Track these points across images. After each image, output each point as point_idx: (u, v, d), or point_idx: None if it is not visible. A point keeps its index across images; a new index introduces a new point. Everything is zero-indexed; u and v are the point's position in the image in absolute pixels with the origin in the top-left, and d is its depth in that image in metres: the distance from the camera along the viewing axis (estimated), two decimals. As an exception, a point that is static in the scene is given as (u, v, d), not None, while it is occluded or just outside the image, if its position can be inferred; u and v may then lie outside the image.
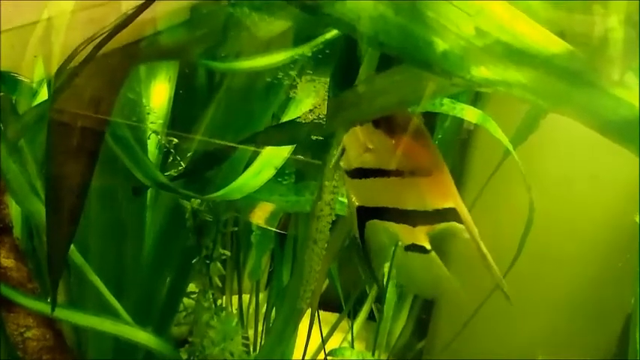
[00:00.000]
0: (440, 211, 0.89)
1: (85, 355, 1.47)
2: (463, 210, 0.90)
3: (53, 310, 1.13)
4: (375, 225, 0.94)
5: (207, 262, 1.46)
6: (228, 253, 1.47)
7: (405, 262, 0.93)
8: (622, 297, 1.98)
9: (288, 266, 2.10)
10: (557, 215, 2.05)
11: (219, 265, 1.47)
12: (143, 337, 1.33)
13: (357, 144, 0.93)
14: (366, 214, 0.94)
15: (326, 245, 1.27)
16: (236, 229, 1.84)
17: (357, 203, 0.94)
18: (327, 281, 2.16)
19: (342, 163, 0.96)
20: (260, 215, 1.82)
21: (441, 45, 0.78)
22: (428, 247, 0.91)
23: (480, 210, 2.10)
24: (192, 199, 1.43)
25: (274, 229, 1.93)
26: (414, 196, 0.90)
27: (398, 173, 0.90)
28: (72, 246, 1.28)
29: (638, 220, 1.79)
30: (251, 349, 2.08)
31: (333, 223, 1.29)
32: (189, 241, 1.46)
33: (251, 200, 1.52)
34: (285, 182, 1.56)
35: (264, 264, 2.26)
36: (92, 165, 0.95)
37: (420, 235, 0.91)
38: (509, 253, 1.86)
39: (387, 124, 0.92)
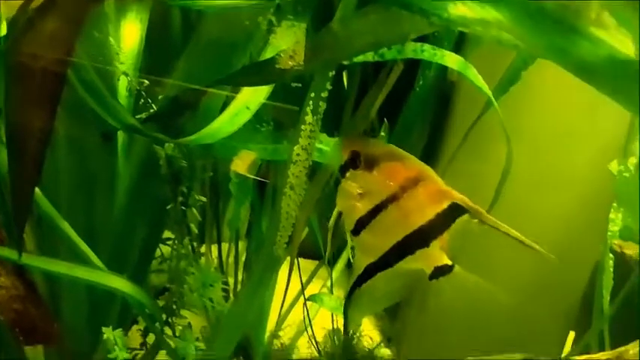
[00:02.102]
0: (443, 213, 0.92)
1: (59, 306, 1.45)
2: (463, 199, 0.92)
3: (20, 254, 1.11)
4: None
5: (183, 208, 1.44)
6: (204, 199, 1.45)
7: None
8: (592, 246, 2.01)
9: (268, 215, 2.09)
10: (535, 167, 2.06)
11: (195, 211, 1.45)
12: (118, 283, 1.31)
13: (349, 201, 0.96)
14: (378, 266, 0.96)
15: (303, 192, 1.25)
16: (211, 174, 1.81)
17: (370, 260, 0.96)
18: (306, 230, 2.15)
19: (346, 228, 0.98)
20: (240, 164, 1.80)
21: (417, -20, 0.75)
22: (449, 262, 0.93)
23: (462, 162, 2.12)
24: (166, 145, 1.40)
25: (253, 177, 1.91)
26: (415, 212, 0.92)
27: (393, 198, 0.92)
28: (40, 194, 1.25)
29: (613, 169, 1.81)
30: (231, 296, 2.08)
31: (313, 171, 1.27)
32: (164, 188, 1.43)
33: (230, 148, 1.50)
34: (263, 129, 1.53)
35: (243, 213, 2.25)
36: (54, 108, 0.91)
37: (437, 253, 0.93)
38: (488, 205, 1.87)
39: (366, 163, 0.95)
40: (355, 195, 0.95)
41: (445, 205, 0.92)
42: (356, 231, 0.96)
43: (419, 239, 0.93)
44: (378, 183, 0.93)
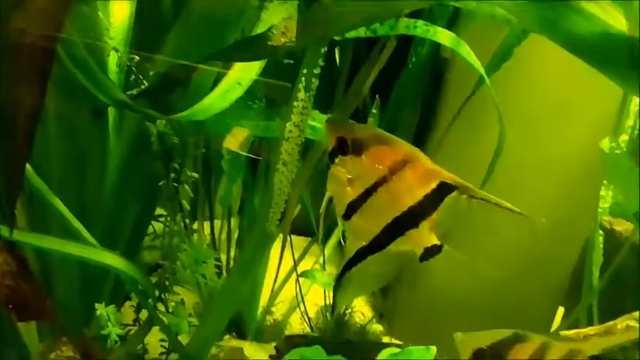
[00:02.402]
0: (432, 194, 0.93)
1: (51, 283, 1.45)
2: (452, 177, 0.93)
3: (12, 231, 1.10)
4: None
5: (175, 185, 1.44)
6: (196, 175, 1.45)
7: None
8: (583, 222, 2.03)
9: (260, 192, 2.09)
10: (528, 144, 2.07)
11: (187, 188, 1.45)
12: (111, 260, 1.31)
13: (339, 186, 0.96)
14: (369, 249, 0.97)
15: (296, 169, 1.25)
16: (203, 151, 1.81)
17: (362, 243, 0.97)
18: (299, 207, 2.16)
19: (337, 213, 0.99)
20: (233, 141, 1.79)
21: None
22: (438, 242, 0.94)
23: (454, 139, 2.12)
24: (158, 122, 1.39)
25: (246, 154, 1.91)
26: (404, 194, 0.93)
27: (382, 181, 0.94)
28: (32, 170, 1.25)
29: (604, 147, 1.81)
30: (223, 273, 2.09)
31: (305, 148, 1.27)
32: (156, 165, 1.43)
33: (222, 125, 1.49)
34: (255, 106, 1.53)
35: (235, 190, 2.25)
36: (44, 84, 0.90)
37: (426, 234, 0.94)
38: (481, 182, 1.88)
39: (354, 148, 0.95)
40: (345, 180, 0.96)
41: (433, 185, 0.93)
42: (347, 215, 0.97)
43: (408, 220, 0.94)
44: (367, 167, 0.94)
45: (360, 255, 0.98)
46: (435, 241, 0.94)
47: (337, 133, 0.97)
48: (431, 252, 0.95)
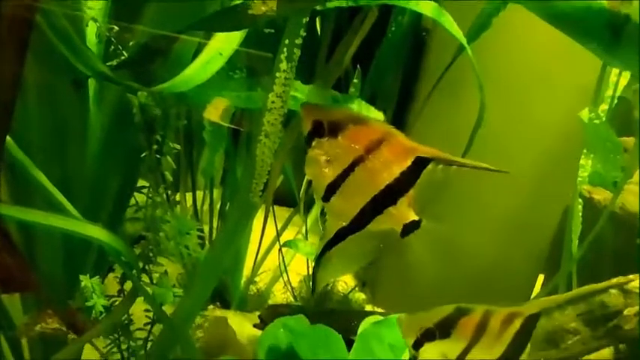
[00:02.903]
0: (408, 170, 0.94)
1: (35, 256, 1.45)
2: (427, 151, 0.94)
3: (-6, 204, 1.10)
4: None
5: (158, 156, 1.44)
6: (178, 147, 1.44)
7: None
8: (562, 191, 2.05)
9: (242, 163, 2.09)
10: (508, 113, 2.08)
11: (169, 159, 1.44)
12: (94, 232, 1.30)
13: (317, 169, 0.98)
14: (349, 229, 0.99)
15: (278, 140, 1.25)
16: (185, 122, 1.80)
17: (342, 224, 0.98)
18: (281, 177, 2.16)
19: (315, 197, 1.01)
20: (214, 112, 1.78)
21: None
22: (416, 217, 0.96)
23: (435, 109, 2.13)
24: (139, 93, 1.38)
25: (227, 125, 1.90)
26: (381, 172, 0.95)
27: (359, 161, 0.95)
28: (12, 142, 1.23)
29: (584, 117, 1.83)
30: (206, 244, 2.10)
31: (287, 118, 1.27)
32: (138, 136, 1.42)
33: (203, 96, 1.48)
34: (236, 77, 1.52)
35: (218, 161, 2.25)
36: (23, 54, 0.89)
37: (405, 210, 0.96)
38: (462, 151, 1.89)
39: (330, 130, 0.97)
40: (323, 162, 0.97)
41: (409, 161, 0.94)
42: (326, 197, 0.99)
43: (386, 198, 0.96)
44: (344, 148, 0.96)
45: (340, 235, 1.00)
46: (413, 216, 0.96)
47: (313, 117, 0.98)
48: (410, 228, 0.96)
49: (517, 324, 1.05)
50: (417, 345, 1.07)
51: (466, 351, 1.05)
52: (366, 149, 0.95)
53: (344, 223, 0.99)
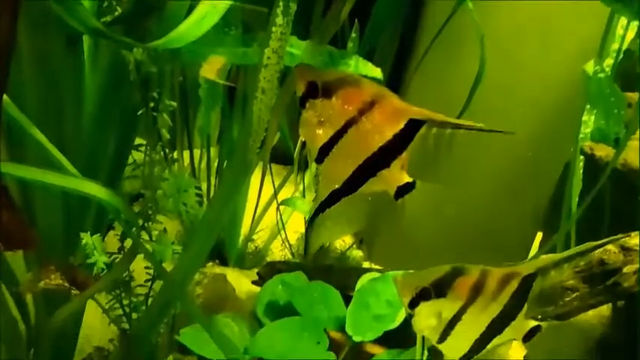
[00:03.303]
0: (401, 132, 0.94)
1: (34, 214, 1.45)
2: (421, 113, 0.94)
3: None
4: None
5: (154, 114, 1.43)
6: (174, 104, 1.43)
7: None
8: (562, 147, 2.04)
9: (239, 121, 2.08)
10: (509, 67, 2.06)
11: (166, 117, 1.44)
12: (92, 188, 1.30)
13: (311, 130, 0.97)
14: (342, 192, 0.99)
15: (275, 97, 1.24)
16: (181, 79, 1.79)
17: (334, 186, 0.98)
18: (278, 135, 2.16)
19: (309, 158, 1.01)
20: (209, 69, 1.77)
21: None
22: (410, 179, 0.96)
23: (434, 64, 2.11)
24: (135, 50, 1.37)
25: (223, 82, 1.89)
26: (374, 134, 0.94)
27: (352, 122, 0.95)
28: (9, 101, 1.22)
29: (588, 70, 1.80)
30: (205, 201, 2.10)
31: (284, 75, 1.26)
32: (134, 94, 1.41)
33: (199, 53, 1.47)
34: (232, 33, 1.50)
35: (214, 120, 2.24)
36: (15, 12, 0.88)
37: (398, 173, 0.96)
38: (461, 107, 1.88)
39: (323, 91, 0.96)
40: (316, 123, 0.97)
41: (402, 123, 0.94)
42: (319, 159, 0.98)
43: (380, 161, 0.96)
44: (337, 109, 0.95)
45: (333, 198, 0.99)
46: (407, 179, 0.96)
47: (307, 78, 0.98)
48: (404, 190, 0.96)
49: (514, 284, 1.05)
50: (413, 304, 1.07)
51: (462, 311, 1.06)
52: (359, 111, 0.94)
53: (337, 186, 0.99)
